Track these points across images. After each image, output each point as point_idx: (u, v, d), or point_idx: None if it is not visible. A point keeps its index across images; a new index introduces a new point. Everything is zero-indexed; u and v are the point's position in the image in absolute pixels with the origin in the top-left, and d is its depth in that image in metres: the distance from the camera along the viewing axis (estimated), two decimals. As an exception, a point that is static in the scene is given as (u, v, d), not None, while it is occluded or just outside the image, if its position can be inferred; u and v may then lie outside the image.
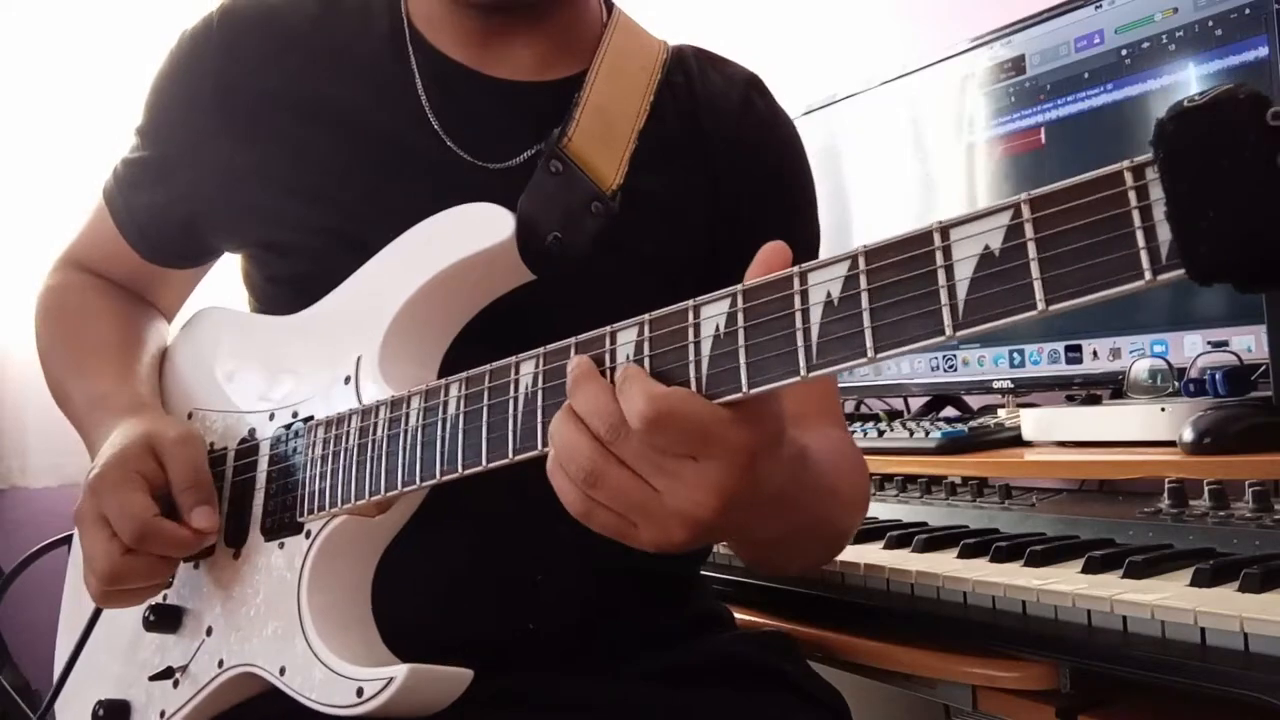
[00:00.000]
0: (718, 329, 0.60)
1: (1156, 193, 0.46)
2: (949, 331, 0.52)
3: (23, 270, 2.30)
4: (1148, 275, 0.46)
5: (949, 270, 0.52)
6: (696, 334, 0.61)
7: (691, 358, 0.60)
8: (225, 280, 1.06)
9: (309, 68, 0.90)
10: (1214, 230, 0.44)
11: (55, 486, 2.41)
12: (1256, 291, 0.45)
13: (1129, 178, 0.47)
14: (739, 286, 0.60)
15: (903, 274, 0.54)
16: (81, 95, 2.44)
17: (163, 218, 0.98)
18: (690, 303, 0.62)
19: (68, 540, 1.05)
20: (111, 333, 1.01)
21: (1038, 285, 0.49)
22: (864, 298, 0.55)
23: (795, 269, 0.58)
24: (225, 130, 0.91)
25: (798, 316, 0.57)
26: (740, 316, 0.59)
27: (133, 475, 0.81)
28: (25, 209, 2.44)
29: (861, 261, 0.55)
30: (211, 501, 0.83)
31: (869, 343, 0.54)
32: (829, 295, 0.56)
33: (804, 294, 0.57)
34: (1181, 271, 0.45)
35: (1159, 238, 0.46)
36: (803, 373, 0.56)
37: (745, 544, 0.88)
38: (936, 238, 0.53)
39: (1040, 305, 0.49)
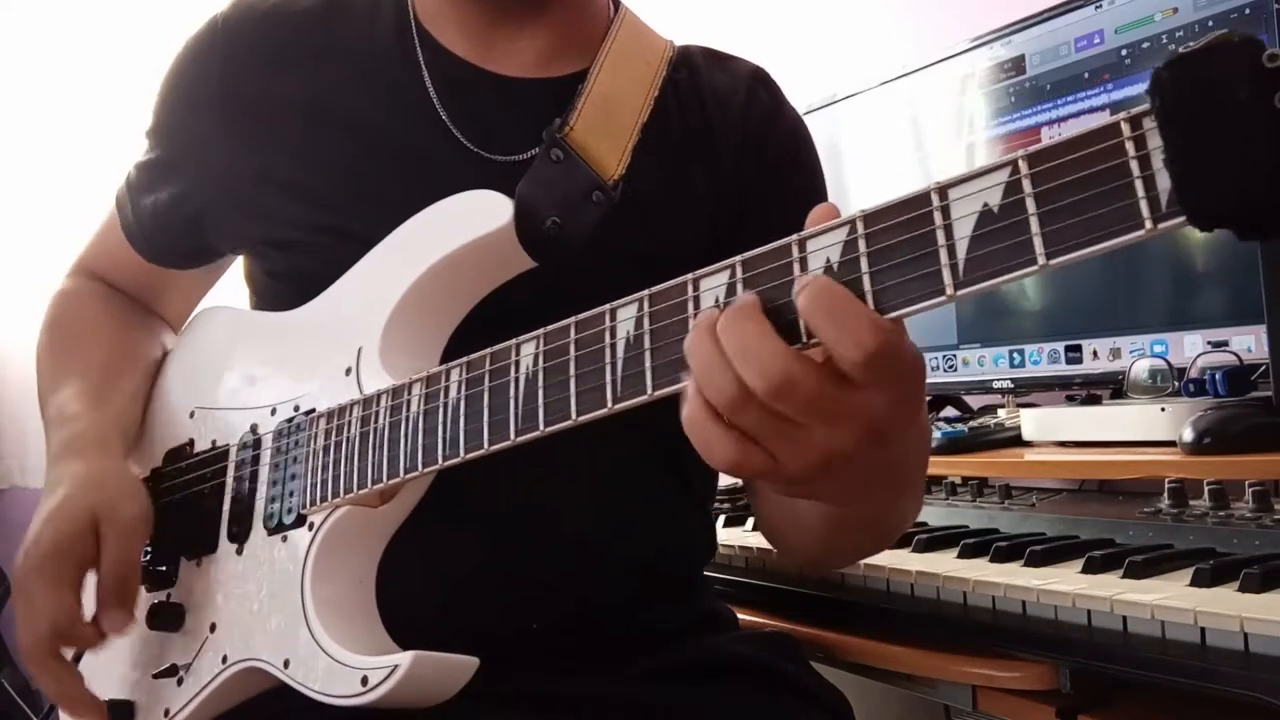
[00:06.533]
0: (717, 300, 0.60)
1: (1155, 142, 0.46)
2: (950, 290, 0.52)
3: (23, 271, 2.31)
4: (1148, 224, 0.46)
5: (948, 229, 0.52)
6: (696, 306, 0.61)
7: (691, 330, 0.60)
8: (227, 279, 1.07)
9: (314, 67, 0.91)
10: (1213, 175, 0.44)
11: (56, 486, 2.42)
12: (1257, 238, 0.45)
13: (1126, 128, 0.47)
14: (738, 258, 0.60)
15: (902, 235, 0.54)
16: (85, 99, 2.44)
17: (167, 218, 0.98)
18: (689, 276, 0.61)
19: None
20: (100, 350, 1.00)
21: (1037, 240, 0.49)
22: (863, 261, 0.55)
23: (794, 237, 0.58)
24: (229, 131, 0.91)
25: (797, 284, 0.57)
26: (740, 288, 0.59)
27: (63, 569, 0.83)
28: (28, 212, 2.44)
29: (860, 225, 0.55)
30: (128, 603, 0.84)
31: (870, 306, 0.54)
32: (828, 261, 0.56)
33: (803, 261, 0.57)
34: (1182, 219, 0.45)
35: (1158, 186, 0.46)
36: (804, 339, 0.56)
37: (835, 520, 0.82)
38: (934, 197, 0.53)
39: (1041, 260, 0.49)
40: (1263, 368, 1.10)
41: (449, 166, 0.87)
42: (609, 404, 0.64)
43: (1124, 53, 1.33)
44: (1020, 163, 0.50)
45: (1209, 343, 1.22)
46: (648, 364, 0.62)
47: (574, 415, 0.66)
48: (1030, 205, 0.50)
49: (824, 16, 2.13)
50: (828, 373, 0.55)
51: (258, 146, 0.90)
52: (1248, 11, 1.19)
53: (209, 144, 0.92)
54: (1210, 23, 1.23)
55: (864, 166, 1.73)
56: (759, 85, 0.98)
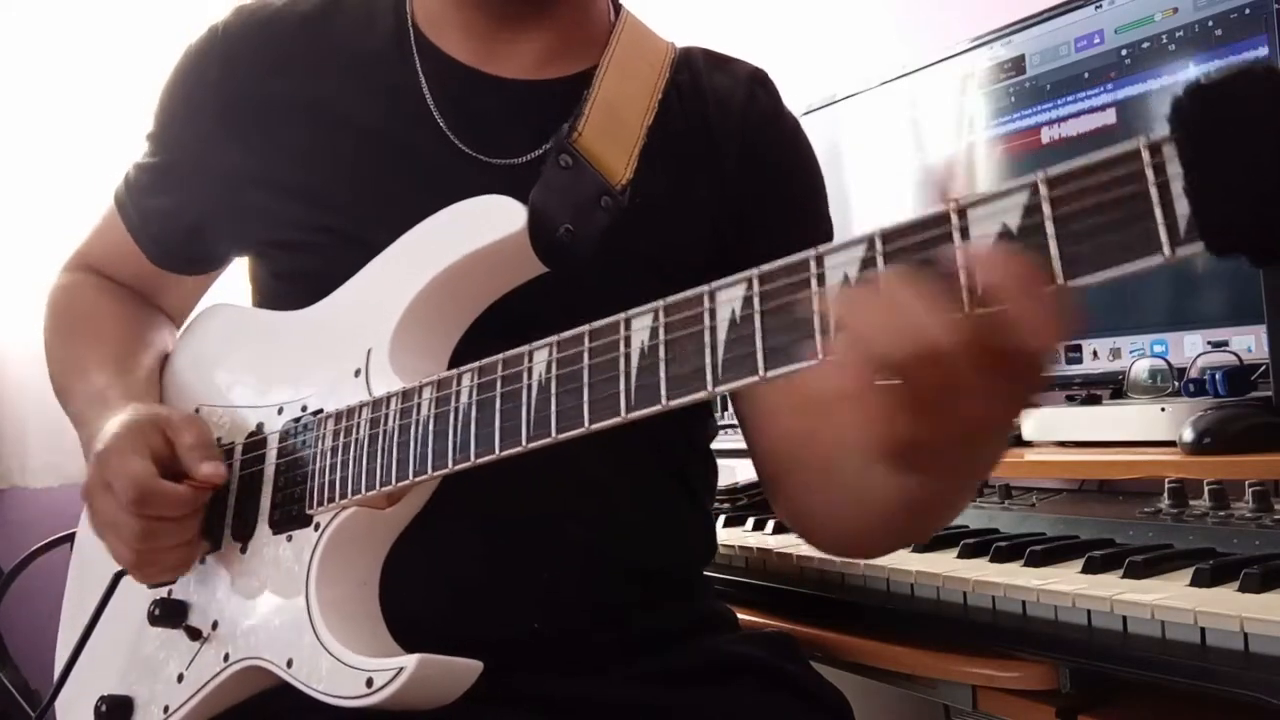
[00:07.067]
0: (733, 314, 0.59)
1: (1174, 169, 0.46)
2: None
3: (22, 271, 2.31)
4: (1166, 250, 0.46)
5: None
6: (712, 319, 0.60)
7: (707, 342, 0.60)
8: (230, 278, 1.07)
9: (313, 72, 0.91)
10: (1232, 204, 0.44)
11: (55, 486, 2.41)
12: (1271, 265, 0.46)
13: (1146, 155, 0.47)
14: (754, 270, 0.59)
15: (919, 255, 0.53)
16: (85, 98, 2.43)
17: (171, 223, 0.99)
18: (705, 288, 0.61)
19: (68, 539, 1.06)
20: (114, 332, 1.01)
21: (1056, 263, 0.49)
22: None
23: (811, 251, 0.57)
24: (230, 137, 0.91)
25: (814, 300, 0.56)
26: (756, 300, 0.59)
27: (138, 445, 0.82)
28: (27, 211, 2.44)
29: (878, 243, 0.55)
30: (218, 458, 0.84)
31: None
32: (846, 277, 0.56)
33: (820, 277, 0.56)
34: (1200, 245, 0.46)
35: (1177, 213, 0.46)
36: (820, 356, 0.56)
37: (911, 502, 0.77)
38: (954, 218, 0.53)
39: (1059, 282, 0.49)
40: (1263, 368, 1.10)
41: (447, 171, 0.87)
42: (622, 413, 0.64)
43: (1124, 53, 1.33)
44: (1040, 185, 0.50)
45: (1209, 343, 1.22)
46: (662, 375, 0.62)
47: (587, 423, 0.66)
48: (1049, 228, 0.50)
49: (824, 17, 2.13)
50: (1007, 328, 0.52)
51: (258, 150, 0.90)
52: (1248, 11, 1.19)
53: (209, 149, 0.93)
54: (1210, 22, 1.23)
55: (864, 167, 1.73)
56: (758, 86, 0.98)
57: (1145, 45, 1.30)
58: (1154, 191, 0.47)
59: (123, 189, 1.02)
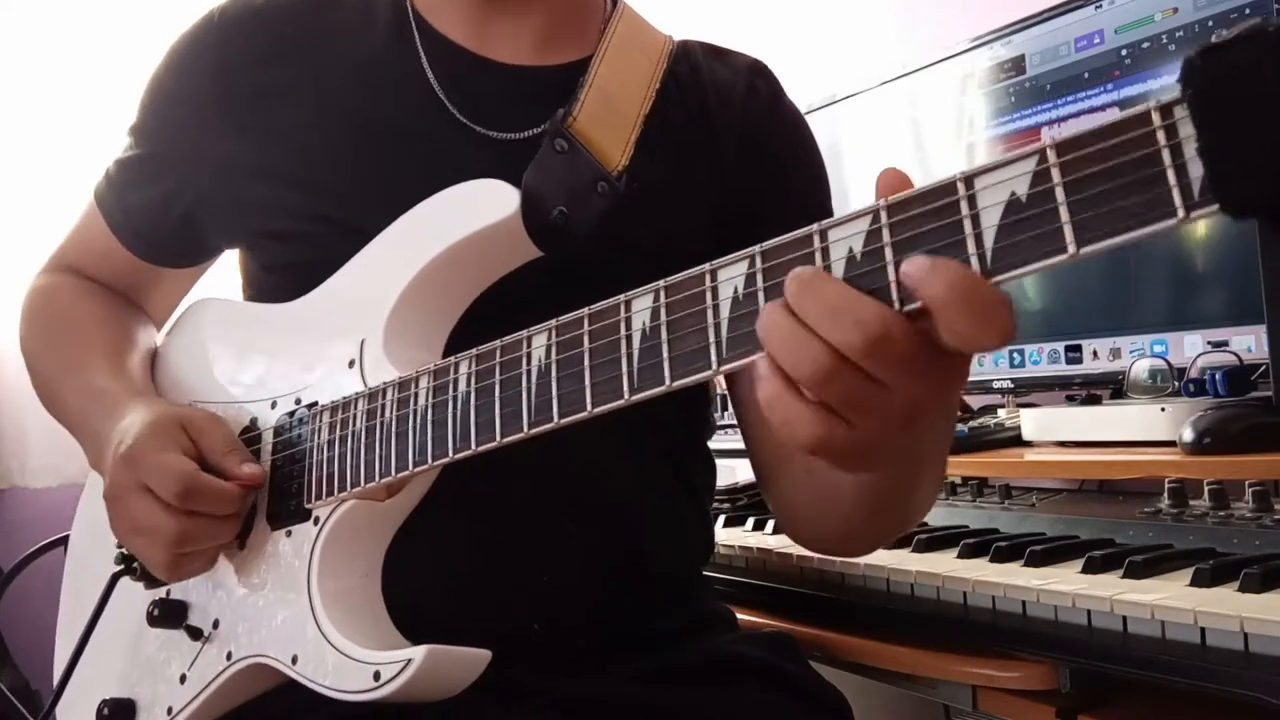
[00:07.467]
0: (736, 291, 0.59)
1: (1186, 130, 0.45)
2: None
3: (21, 271, 2.31)
4: (1180, 213, 0.46)
5: (975, 219, 0.51)
6: (714, 297, 0.60)
7: (710, 321, 0.60)
8: (219, 273, 1.06)
9: (311, 59, 0.91)
10: (1247, 164, 0.44)
11: (55, 486, 2.42)
12: None
13: (1157, 117, 0.46)
14: (756, 248, 0.59)
15: (927, 225, 0.53)
16: (78, 96, 2.44)
17: (159, 215, 0.97)
18: (707, 266, 0.60)
19: (65, 541, 1.05)
20: (101, 332, 1.00)
21: (1068, 229, 0.49)
22: (887, 251, 0.54)
23: (815, 226, 0.57)
24: (225, 125, 0.91)
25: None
26: (759, 278, 0.58)
27: (169, 443, 0.81)
28: (23, 210, 2.44)
29: (884, 215, 0.54)
30: (252, 458, 0.83)
31: (895, 297, 0.53)
32: (851, 251, 0.55)
33: (825, 251, 0.56)
34: (1215, 207, 0.45)
35: (1190, 175, 0.45)
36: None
37: (867, 497, 0.80)
38: (960, 187, 0.52)
39: (1071, 249, 0.49)
40: (1263, 368, 1.10)
41: (449, 146, 0.87)
42: (625, 395, 0.63)
43: (1124, 53, 1.33)
44: (1048, 152, 0.50)
45: (1209, 343, 1.22)
46: (665, 355, 0.62)
47: (589, 407, 0.65)
48: (1059, 194, 0.49)
49: (824, 16, 2.13)
50: (918, 329, 0.53)
51: (255, 139, 0.90)
52: (1248, 11, 1.19)
53: (203, 137, 0.92)
54: (1210, 22, 1.23)
55: (864, 166, 1.72)
56: (758, 78, 0.99)
57: (1145, 45, 1.30)
58: (1166, 153, 0.46)
59: (103, 185, 1.01)
